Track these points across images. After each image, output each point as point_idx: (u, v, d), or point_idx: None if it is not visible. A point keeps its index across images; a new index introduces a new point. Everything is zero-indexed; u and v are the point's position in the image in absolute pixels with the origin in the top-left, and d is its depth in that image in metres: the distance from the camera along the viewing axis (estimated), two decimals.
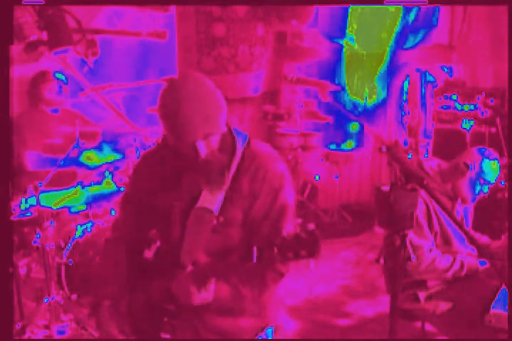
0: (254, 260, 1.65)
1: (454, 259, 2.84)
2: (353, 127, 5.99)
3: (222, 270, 1.80)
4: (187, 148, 1.80)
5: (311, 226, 1.58)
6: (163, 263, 1.94)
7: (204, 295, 1.81)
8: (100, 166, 3.72)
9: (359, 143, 6.04)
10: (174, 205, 1.93)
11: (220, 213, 1.89)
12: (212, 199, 1.89)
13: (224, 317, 1.95)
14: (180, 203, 1.93)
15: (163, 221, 1.96)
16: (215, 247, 1.89)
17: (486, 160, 2.90)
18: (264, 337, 2.04)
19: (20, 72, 3.99)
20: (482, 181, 2.90)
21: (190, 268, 1.84)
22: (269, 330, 2.06)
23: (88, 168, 3.75)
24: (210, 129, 1.80)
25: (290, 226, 1.85)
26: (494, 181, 2.95)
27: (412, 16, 5.60)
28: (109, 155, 3.77)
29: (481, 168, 2.89)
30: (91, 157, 3.74)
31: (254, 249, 1.65)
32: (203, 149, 1.80)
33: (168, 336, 1.92)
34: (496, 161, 2.93)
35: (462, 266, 2.84)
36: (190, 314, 1.91)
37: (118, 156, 3.79)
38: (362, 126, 6.13)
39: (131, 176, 2.15)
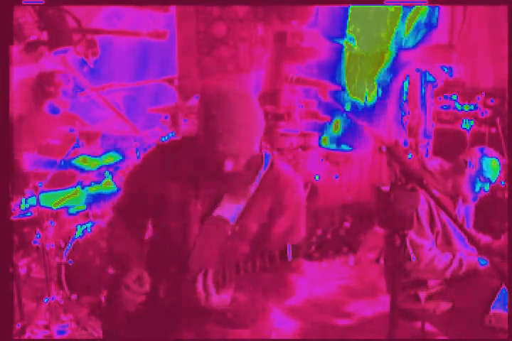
0: (290, 258, 1.68)
1: (453, 258, 2.84)
2: (336, 130, 6.01)
3: (242, 278, 1.81)
4: (213, 160, 1.80)
5: (347, 224, 1.63)
6: (167, 262, 1.93)
7: (222, 299, 1.81)
8: (97, 170, 3.69)
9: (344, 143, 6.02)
10: (191, 206, 1.92)
11: (236, 223, 1.91)
12: (230, 209, 1.90)
13: (223, 328, 1.96)
14: (198, 205, 1.92)
15: (173, 217, 1.95)
16: (224, 257, 1.91)
17: (486, 158, 2.90)
18: None
19: (20, 72, 3.99)
20: (482, 179, 2.90)
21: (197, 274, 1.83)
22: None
23: (83, 170, 3.72)
24: (244, 149, 1.79)
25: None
26: (495, 179, 2.95)
27: (423, 16, 5.59)
28: (106, 157, 3.74)
29: (480, 165, 2.89)
30: (86, 160, 3.73)
31: (289, 246, 1.68)
32: (229, 166, 1.80)
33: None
34: (496, 159, 2.93)
35: (461, 264, 2.84)
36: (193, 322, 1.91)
37: (117, 158, 3.78)
38: (362, 126, 6.13)
39: (142, 160, 2.11)
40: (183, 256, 1.92)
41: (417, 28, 5.64)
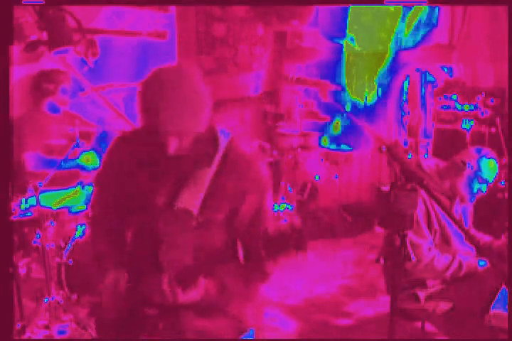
0: (241, 260, 1.65)
1: (453, 259, 2.84)
2: (335, 130, 6.01)
3: (209, 268, 1.78)
4: (156, 142, 1.74)
5: (297, 221, 1.61)
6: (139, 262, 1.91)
7: (193, 293, 1.79)
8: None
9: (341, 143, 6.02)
10: (153, 198, 1.86)
11: (200, 213, 1.84)
12: (191, 199, 1.84)
13: (202, 318, 1.93)
14: (159, 198, 1.86)
15: (140, 209, 1.90)
16: (197, 248, 1.86)
17: (484, 159, 2.90)
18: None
19: (20, 72, 4.00)
20: (480, 180, 2.91)
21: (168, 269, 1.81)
22: (250, 332, 2.04)
23: (87, 169, 3.73)
24: (186, 126, 1.71)
25: (272, 227, 1.84)
26: (492, 180, 2.95)
27: (423, 16, 5.59)
28: None
29: (478, 166, 2.89)
30: (89, 158, 3.73)
31: (239, 247, 1.65)
32: (173, 146, 1.73)
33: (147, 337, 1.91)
34: (494, 160, 2.93)
35: (461, 266, 2.84)
36: (170, 316, 1.89)
37: None
38: (362, 126, 6.13)
39: (107, 155, 2.05)
40: (155, 252, 1.87)
41: (417, 28, 5.64)
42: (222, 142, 1.88)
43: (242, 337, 2.00)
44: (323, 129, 6.07)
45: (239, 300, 1.97)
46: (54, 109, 4.00)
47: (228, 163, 1.87)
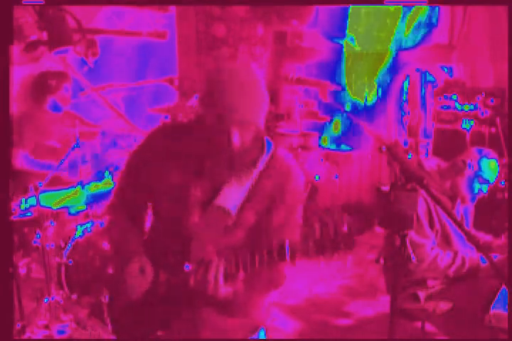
0: (288, 257, 1.66)
1: (456, 256, 2.85)
2: (336, 130, 6.01)
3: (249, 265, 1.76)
4: (221, 133, 1.73)
5: (345, 223, 1.63)
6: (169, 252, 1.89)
7: (227, 290, 1.79)
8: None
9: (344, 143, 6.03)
10: (192, 192, 1.86)
11: (237, 214, 1.85)
12: (232, 198, 1.84)
13: (221, 316, 1.93)
14: (199, 192, 1.86)
15: (173, 202, 1.89)
16: (221, 246, 1.87)
17: (485, 159, 2.90)
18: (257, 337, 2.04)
19: (20, 72, 4.00)
20: (481, 180, 2.91)
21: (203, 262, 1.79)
22: (262, 332, 2.06)
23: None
24: (250, 118, 1.74)
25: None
26: (493, 181, 2.95)
27: (424, 16, 5.59)
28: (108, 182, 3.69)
29: (479, 166, 2.89)
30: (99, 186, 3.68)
31: (287, 243, 1.65)
32: (237, 137, 1.73)
33: (162, 333, 1.91)
34: (495, 160, 2.93)
35: (464, 262, 2.84)
36: (190, 311, 1.90)
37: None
38: (362, 126, 6.13)
39: (140, 145, 2.02)
40: (183, 245, 1.87)
41: (417, 28, 5.64)
42: (268, 145, 1.90)
43: (253, 336, 2.02)
44: (322, 129, 6.08)
45: (254, 300, 1.99)
46: (56, 108, 4.00)
47: (271, 168, 1.88)
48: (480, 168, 2.89)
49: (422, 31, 5.63)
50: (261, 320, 2.05)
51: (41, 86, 3.96)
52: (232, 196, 1.85)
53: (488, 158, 2.91)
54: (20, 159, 3.76)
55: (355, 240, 1.65)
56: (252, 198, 1.86)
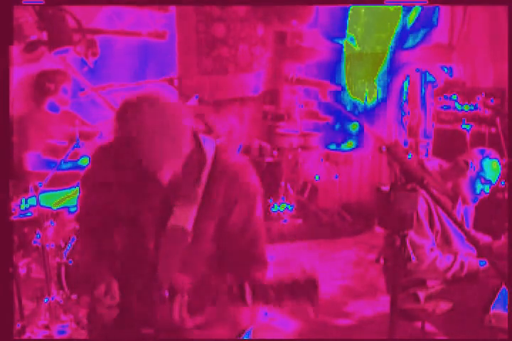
0: (249, 301, 1.63)
1: (455, 259, 2.84)
2: (353, 127, 6.01)
3: (214, 293, 1.73)
4: (146, 179, 1.72)
5: (309, 269, 1.59)
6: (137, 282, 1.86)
7: (196, 320, 1.80)
8: None
9: (359, 143, 6.05)
10: (145, 216, 1.83)
11: (193, 228, 1.81)
12: (185, 216, 1.81)
13: (201, 330, 1.91)
14: (151, 215, 1.83)
15: (129, 226, 1.86)
16: (188, 263, 1.84)
17: (487, 159, 2.90)
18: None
19: (20, 72, 4.00)
20: (483, 181, 2.90)
21: (167, 290, 1.78)
22: (248, 332, 2.03)
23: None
24: (174, 158, 1.70)
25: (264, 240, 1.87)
26: (495, 181, 2.94)
27: (413, 17, 5.60)
28: None
29: (481, 167, 2.88)
30: None
31: (247, 288, 1.63)
32: (166, 178, 1.72)
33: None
34: (497, 161, 2.92)
35: (462, 266, 2.84)
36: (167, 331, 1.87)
37: None
38: (362, 126, 6.13)
39: (87, 169, 1.98)
40: (148, 268, 1.84)
41: (417, 28, 5.64)
42: (208, 153, 1.85)
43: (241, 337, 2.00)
44: (322, 129, 6.07)
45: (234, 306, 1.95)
46: (54, 108, 4.00)
47: (216, 175, 1.85)
48: (482, 169, 2.88)
49: (422, 31, 5.63)
50: (246, 322, 2.00)
51: (39, 88, 3.96)
52: (184, 214, 1.82)
53: (490, 159, 2.90)
54: (32, 159, 3.77)
55: (317, 293, 1.58)
56: (206, 208, 1.83)
